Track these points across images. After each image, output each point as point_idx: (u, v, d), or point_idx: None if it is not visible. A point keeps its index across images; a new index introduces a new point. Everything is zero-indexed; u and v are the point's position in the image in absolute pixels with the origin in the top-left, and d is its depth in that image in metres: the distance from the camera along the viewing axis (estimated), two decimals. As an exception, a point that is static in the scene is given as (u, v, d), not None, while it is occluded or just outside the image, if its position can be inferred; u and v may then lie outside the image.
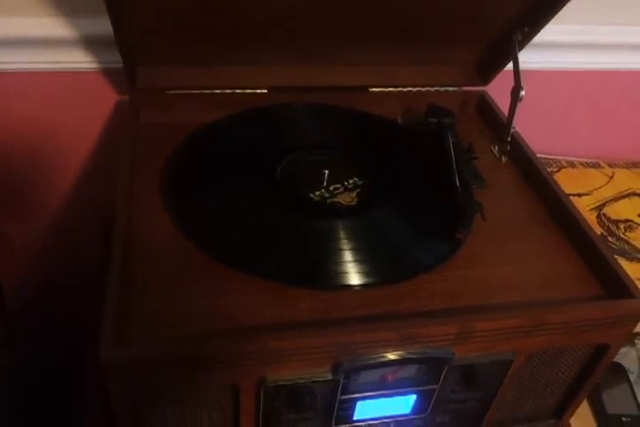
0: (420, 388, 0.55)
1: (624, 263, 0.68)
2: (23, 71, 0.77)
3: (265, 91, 0.76)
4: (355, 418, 0.56)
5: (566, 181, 0.92)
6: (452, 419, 0.60)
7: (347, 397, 0.54)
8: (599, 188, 0.94)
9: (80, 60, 0.76)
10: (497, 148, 0.74)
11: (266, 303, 0.53)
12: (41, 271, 0.99)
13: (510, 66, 0.71)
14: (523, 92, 0.69)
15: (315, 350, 0.49)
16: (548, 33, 0.71)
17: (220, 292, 0.53)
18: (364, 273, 0.55)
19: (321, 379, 0.51)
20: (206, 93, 0.75)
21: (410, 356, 0.51)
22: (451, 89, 0.82)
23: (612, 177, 0.97)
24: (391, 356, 0.51)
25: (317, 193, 0.62)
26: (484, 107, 0.80)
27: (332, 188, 0.63)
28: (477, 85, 0.82)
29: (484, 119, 0.80)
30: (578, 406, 0.65)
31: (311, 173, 0.64)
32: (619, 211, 0.90)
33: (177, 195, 0.61)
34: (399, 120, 0.76)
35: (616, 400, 0.74)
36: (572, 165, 0.98)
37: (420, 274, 0.57)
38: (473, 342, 0.52)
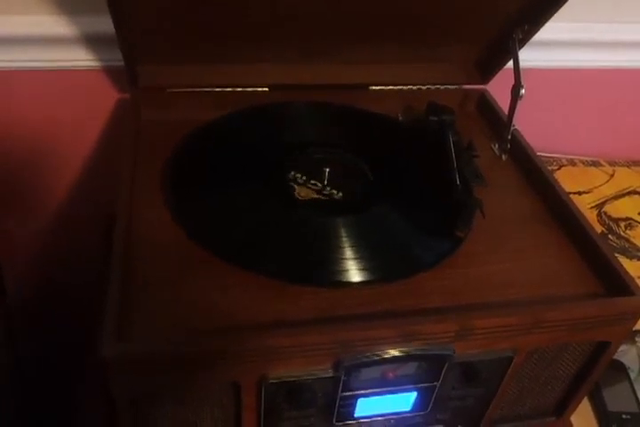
0: (421, 385, 0.55)
1: (624, 261, 0.68)
2: (24, 70, 0.77)
3: (265, 89, 0.76)
4: (355, 415, 0.56)
5: (567, 180, 0.92)
6: (452, 416, 0.60)
7: (348, 394, 0.54)
8: (599, 186, 0.95)
9: (81, 59, 0.77)
10: (497, 146, 0.74)
11: (266, 301, 0.53)
12: (41, 271, 0.99)
13: (510, 64, 0.71)
14: (523, 91, 0.69)
15: (316, 348, 0.49)
16: (548, 31, 0.71)
17: (221, 290, 0.53)
18: (365, 271, 0.56)
19: (322, 376, 0.51)
20: (207, 91, 0.75)
21: (410, 353, 0.52)
22: (451, 87, 0.82)
23: (612, 175, 0.97)
24: (392, 353, 0.51)
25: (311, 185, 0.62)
26: (485, 105, 0.80)
27: (328, 186, 0.63)
28: (478, 84, 0.82)
29: (484, 117, 0.80)
30: (578, 404, 0.65)
31: (312, 171, 0.64)
32: (619, 209, 0.91)
33: (178, 193, 0.61)
34: (399, 118, 0.76)
35: (616, 398, 0.75)
36: (572, 163, 0.98)
37: (421, 272, 0.57)
38: (473, 340, 0.53)
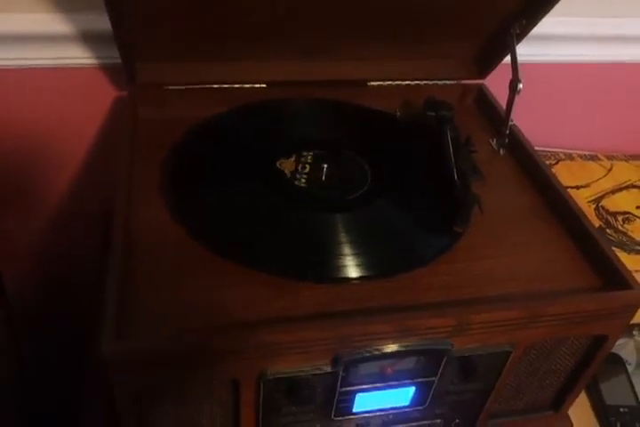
0: (419, 380, 0.56)
1: (622, 255, 0.69)
2: (20, 67, 0.77)
3: (264, 86, 0.76)
4: (354, 410, 0.57)
5: (565, 174, 0.92)
6: (450, 411, 0.61)
7: (346, 389, 0.54)
8: (597, 180, 0.95)
9: (78, 56, 0.77)
10: (495, 141, 0.74)
11: (266, 298, 0.53)
12: (41, 270, 1.00)
13: (508, 59, 0.71)
14: (520, 85, 0.69)
15: (314, 343, 0.49)
16: (546, 26, 0.71)
17: (220, 287, 0.53)
18: (363, 266, 0.56)
19: (320, 372, 0.51)
20: (205, 88, 0.75)
21: (408, 348, 0.52)
22: (449, 82, 0.82)
23: (610, 169, 0.97)
24: (390, 348, 0.51)
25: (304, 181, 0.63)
26: (483, 100, 0.80)
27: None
28: (476, 79, 0.82)
29: (482, 112, 0.80)
30: (576, 398, 0.65)
31: (310, 168, 0.64)
32: (617, 203, 0.91)
33: (176, 190, 0.61)
34: (398, 114, 0.76)
35: (614, 391, 0.75)
36: (570, 157, 0.99)
37: (419, 267, 0.57)
38: (471, 334, 0.53)
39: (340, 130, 0.72)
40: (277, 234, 0.58)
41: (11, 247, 0.94)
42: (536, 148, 0.71)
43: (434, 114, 0.70)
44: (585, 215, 0.62)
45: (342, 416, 0.57)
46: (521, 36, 0.72)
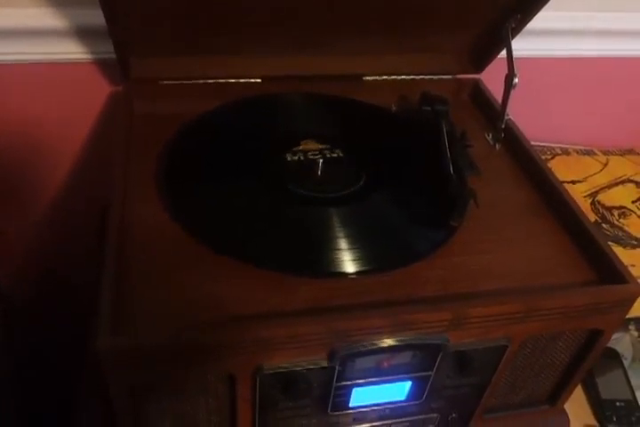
0: (416, 374, 0.56)
1: (618, 250, 0.69)
2: (14, 63, 0.76)
3: (259, 80, 0.76)
4: (351, 405, 0.57)
5: (560, 169, 0.92)
6: (447, 405, 0.61)
7: (342, 384, 0.54)
8: (593, 175, 0.95)
9: (72, 51, 0.76)
10: (491, 135, 0.74)
11: (262, 293, 0.53)
12: (39, 269, 0.99)
13: (504, 53, 0.71)
14: (516, 80, 0.69)
15: (310, 338, 0.49)
16: (541, 20, 0.71)
17: (216, 282, 0.53)
18: (359, 261, 0.56)
19: (317, 366, 0.51)
20: (200, 83, 0.75)
21: (405, 342, 0.52)
22: (445, 77, 0.82)
23: (606, 164, 0.97)
24: (386, 342, 0.51)
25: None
26: (478, 94, 0.80)
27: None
28: (471, 73, 0.82)
29: (477, 107, 0.80)
30: (572, 392, 0.65)
31: (306, 162, 0.64)
32: (613, 198, 0.91)
33: (172, 185, 0.61)
34: (393, 108, 0.76)
35: (610, 385, 0.75)
36: (566, 152, 0.99)
37: (415, 261, 0.57)
38: (467, 329, 0.53)
39: (335, 125, 0.71)
40: (274, 229, 0.58)
41: (7, 246, 0.94)
42: (532, 142, 0.71)
43: (429, 108, 0.70)
44: (581, 210, 0.62)
45: (339, 411, 0.57)
46: (516, 30, 0.72)
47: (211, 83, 0.75)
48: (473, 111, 0.79)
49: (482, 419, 0.64)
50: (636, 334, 0.81)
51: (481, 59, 0.80)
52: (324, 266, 0.55)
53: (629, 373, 0.78)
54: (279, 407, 0.54)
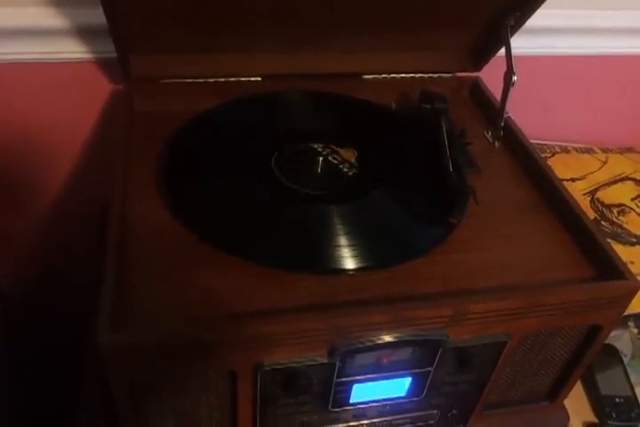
0: (416, 370, 0.56)
1: (617, 247, 0.69)
2: (15, 62, 0.76)
3: (259, 79, 0.76)
4: (351, 401, 0.57)
5: (560, 167, 0.92)
6: (446, 401, 0.61)
7: (343, 380, 0.54)
8: (593, 173, 0.95)
9: (73, 50, 0.76)
10: (490, 133, 0.74)
11: (262, 289, 0.53)
12: (39, 268, 0.99)
13: (503, 51, 0.71)
14: (515, 78, 0.69)
15: (311, 334, 0.50)
16: (540, 18, 0.71)
17: (216, 278, 0.54)
18: (360, 257, 0.56)
19: (317, 362, 0.51)
20: (200, 82, 0.75)
21: (405, 338, 0.52)
22: (444, 75, 0.82)
23: (605, 162, 0.97)
24: (386, 339, 0.52)
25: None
26: (478, 92, 0.80)
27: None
28: (470, 71, 0.82)
29: (477, 105, 0.80)
30: (571, 388, 0.66)
31: (305, 160, 0.64)
32: (612, 195, 0.91)
33: (172, 183, 0.61)
34: (393, 106, 0.76)
35: (609, 382, 0.75)
36: (565, 150, 0.99)
37: (415, 258, 0.57)
38: (467, 325, 0.53)
39: (335, 123, 0.72)
40: (274, 227, 0.58)
41: (7, 246, 0.94)
42: (531, 140, 0.71)
43: (429, 106, 0.70)
44: (580, 207, 0.62)
45: (339, 407, 0.57)
46: (515, 28, 0.72)
47: (211, 81, 0.75)
48: (472, 109, 0.79)
49: (482, 415, 0.64)
50: (635, 331, 0.81)
51: (480, 57, 0.80)
52: (324, 263, 0.56)
53: (629, 369, 0.78)
54: (280, 404, 0.54)
